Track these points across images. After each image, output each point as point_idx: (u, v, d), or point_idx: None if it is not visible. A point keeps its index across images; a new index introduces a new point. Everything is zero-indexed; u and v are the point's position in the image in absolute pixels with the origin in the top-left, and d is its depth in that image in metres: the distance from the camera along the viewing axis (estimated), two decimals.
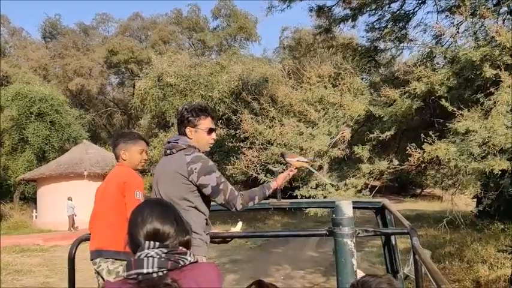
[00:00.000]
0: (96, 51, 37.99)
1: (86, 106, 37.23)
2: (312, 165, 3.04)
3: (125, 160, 2.96)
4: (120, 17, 58.89)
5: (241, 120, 9.41)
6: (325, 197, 7.27)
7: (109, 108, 40.03)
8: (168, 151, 2.51)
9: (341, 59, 10.38)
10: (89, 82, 36.95)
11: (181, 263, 1.33)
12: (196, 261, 1.39)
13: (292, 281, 8.44)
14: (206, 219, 2.49)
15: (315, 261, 10.37)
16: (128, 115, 37.96)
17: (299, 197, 7.51)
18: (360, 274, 2.17)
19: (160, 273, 1.27)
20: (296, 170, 2.81)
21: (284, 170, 2.90)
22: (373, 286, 1.44)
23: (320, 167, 8.32)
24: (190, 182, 2.36)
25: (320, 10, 10.00)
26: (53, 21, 40.22)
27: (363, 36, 11.84)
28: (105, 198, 2.89)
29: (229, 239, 2.97)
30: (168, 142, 2.55)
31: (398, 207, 15.53)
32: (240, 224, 2.93)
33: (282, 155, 3.00)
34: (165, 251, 1.31)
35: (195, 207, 2.42)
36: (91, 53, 38.09)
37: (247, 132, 9.12)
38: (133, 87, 29.14)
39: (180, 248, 1.36)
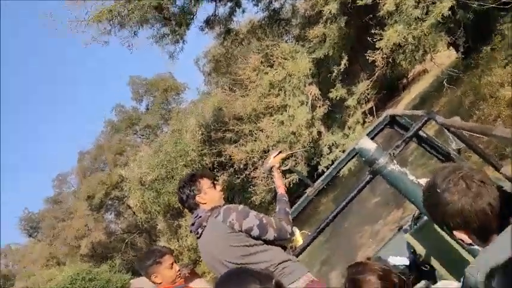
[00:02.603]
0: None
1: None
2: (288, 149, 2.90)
3: (160, 283, 2.79)
4: None
5: (230, 157, 9.41)
6: (343, 152, 7.26)
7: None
8: (200, 230, 2.40)
9: (260, 41, 10.46)
10: (91, 236, 36.58)
11: None
12: None
13: (379, 230, 8.30)
14: (281, 244, 2.39)
15: (379, 204, 10.19)
16: (147, 233, 37.55)
17: (324, 170, 7.49)
18: (423, 182, 2.14)
19: None
20: (280, 166, 2.71)
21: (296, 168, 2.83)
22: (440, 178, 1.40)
23: (319, 133, 8.33)
24: (239, 231, 2.27)
25: (208, 22, 10.13)
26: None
27: (257, 12, 11.99)
28: None
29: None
30: (192, 224, 2.45)
31: (400, 107, 15.49)
32: (297, 233, 2.73)
33: (266, 170, 2.79)
34: None
35: (266, 241, 2.31)
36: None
37: (242, 159, 9.12)
38: (129, 208, 28.88)
39: None
